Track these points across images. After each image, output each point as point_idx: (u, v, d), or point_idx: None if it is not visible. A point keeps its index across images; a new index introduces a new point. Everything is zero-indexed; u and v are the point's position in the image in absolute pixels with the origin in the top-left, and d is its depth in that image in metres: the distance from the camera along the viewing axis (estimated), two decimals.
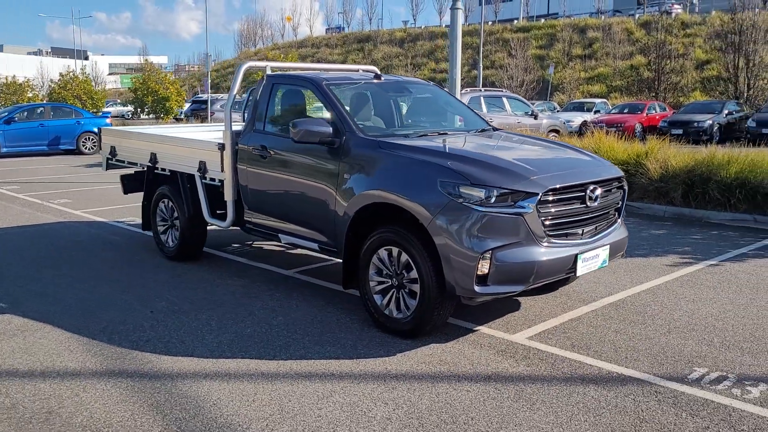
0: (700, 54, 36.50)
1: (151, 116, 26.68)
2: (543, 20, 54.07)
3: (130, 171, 8.38)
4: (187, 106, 26.69)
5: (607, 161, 5.40)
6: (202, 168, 6.57)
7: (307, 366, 4.37)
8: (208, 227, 7.14)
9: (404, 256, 4.74)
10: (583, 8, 57.93)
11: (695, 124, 22.68)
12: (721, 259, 7.19)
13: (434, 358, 4.48)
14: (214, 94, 23.57)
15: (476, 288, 4.39)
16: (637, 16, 47.43)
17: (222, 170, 6.30)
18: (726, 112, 23.70)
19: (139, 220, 9.30)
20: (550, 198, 4.52)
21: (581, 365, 4.34)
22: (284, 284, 6.33)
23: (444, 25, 62.77)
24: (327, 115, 5.67)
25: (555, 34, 48.34)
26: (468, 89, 18.35)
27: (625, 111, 26.10)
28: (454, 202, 4.42)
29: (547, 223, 4.53)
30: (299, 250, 7.64)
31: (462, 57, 54.42)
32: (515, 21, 55.62)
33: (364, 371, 4.28)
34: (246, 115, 6.52)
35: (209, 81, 23.23)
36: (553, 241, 4.56)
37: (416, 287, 4.69)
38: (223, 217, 6.70)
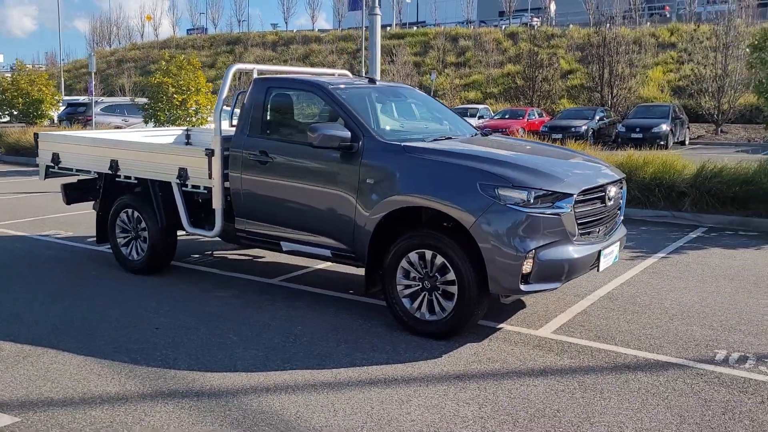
0: (564, 64, 39.15)
1: (12, 122, 24.26)
2: (415, 28, 55.59)
3: (72, 179, 7.81)
4: (62, 108, 24.80)
5: (606, 163, 5.78)
6: (183, 175, 6.26)
7: (363, 373, 4.34)
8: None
9: (439, 259, 4.82)
10: (452, 17, 60.16)
11: (573, 128, 24.33)
12: (667, 252, 7.88)
13: (480, 357, 4.60)
14: (90, 97, 22.02)
15: (521, 286, 4.57)
16: (503, 26, 50.00)
17: (210, 177, 6.05)
18: (597, 118, 25.66)
19: (65, 233, 8.68)
20: (581, 198, 4.80)
21: (617, 354, 4.64)
22: (278, 293, 6.18)
23: (317, 29, 62.86)
24: (328, 119, 5.65)
25: (428, 42, 49.82)
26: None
27: (507, 117, 27.53)
28: (497, 204, 4.58)
29: (578, 222, 4.80)
30: (268, 258, 7.48)
31: (339, 63, 54.81)
32: (388, 28, 56.72)
33: (424, 374, 4.32)
34: (233, 119, 6.28)
35: (93, 82, 21.71)
36: (582, 239, 4.84)
37: (453, 289, 4.78)
38: (204, 226, 6.44)
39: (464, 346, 4.80)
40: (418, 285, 4.98)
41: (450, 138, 5.83)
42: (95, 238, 7.30)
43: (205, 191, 6.21)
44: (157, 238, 6.64)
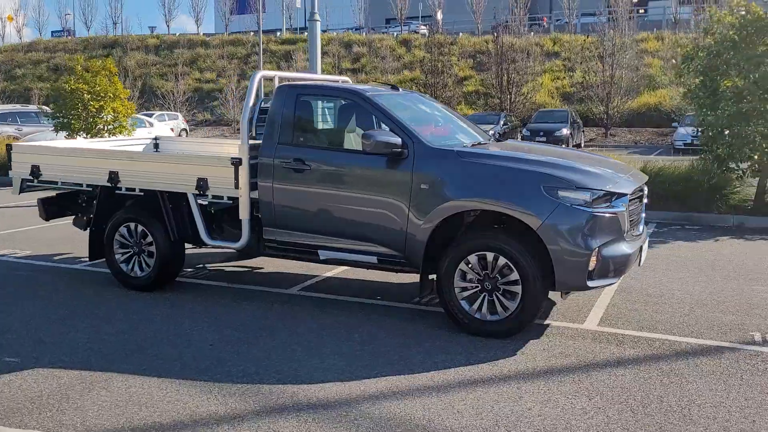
0: (458, 71, 40.54)
1: None
2: (306, 33, 55.38)
3: (49, 193, 7.31)
4: None
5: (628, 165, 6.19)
6: (202, 186, 6.04)
7: (455, 374, 4.43)
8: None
9: (501, 260, 5.00)
10: (339, 24, 60.52)
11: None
12: None
13: (552, 352, 4.82)
14: None
15: (588, 283, 4.84)
16: (395, 33, 50.95)
17: (236, 187, 5.88)
18: (502, 122, 26.84)
19: (22, 252, 8.13)
20: (631, 197, 5.15)
21: (670, 342, 5.02)
22: (305, 303, 6.11)
23: (203, 34, 61.12)
24: (366, 126, 5.68)
25: (321, 48, 49.83)
26: None
27: None
28: (563, 205, 4.83)
29: (629, 220, 5.15)
30: (268, 269, 7.34)
31: (229, 68, 53.41)
32: (278, 33, 56.20)
33: (512, 371, 4.48)
34: (253, 128, 6.13)
35: None
36: (629, 236, 5.19)
37: (516, 288, 4.98)
38: (223, 238, 6.25)
39: (529, 344, 5.00)
40: (477, 287, 5.13)
41: (482, 143, 6.03)
42: (88, 256, 6.84)
43: (231, 202, 6.03)
44: (166, 253, 6.35)
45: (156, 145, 8.60)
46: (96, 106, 16.12)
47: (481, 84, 37.52)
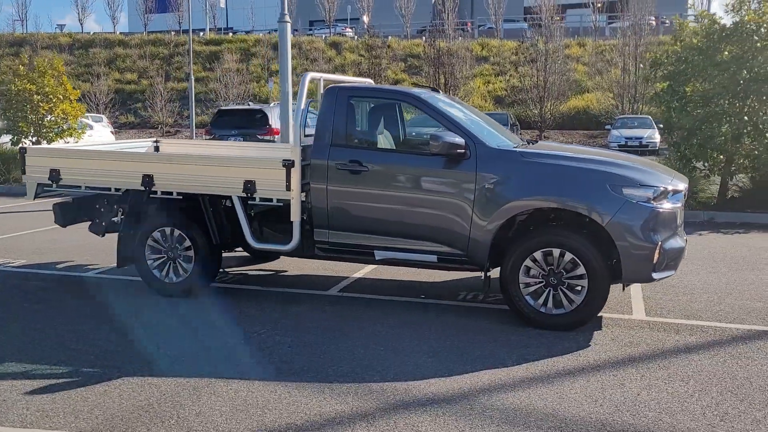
0: (390, 74, 40.98)
1: None
2: (231, 34, 54.44)
3: (64, 198, 7.03)
4: None
5: None
6: (250, 188, 5.97)
7: (547, 366, 4.62)
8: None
9: (568, 256, 5.23)
10: (262, 25, 59.74)
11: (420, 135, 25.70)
12: None
13: (622, 342, 5.10)
14: None
15: (653, 275, 5.15)
16: (324, 36, 50.84)
17: (288, 189, 5.86)
18: None
19: (16, 261, 7.82)
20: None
21: (722, 329, 5.41)
22: (352, 304, 6.17)
23: (120, 33, 58.97)
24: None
25: (248, 49, 49.15)
26: (275, 102, 18.28)
27: None
28: (629, 202, 5.11)
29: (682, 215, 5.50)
30: (292, 271, 7.31)
31: (151, 68, 51.89)
32: (202, 33, 54.95)
33: (597, 361, 4.71)
34: (305, 128, 6.10)
35: None
36: (680, 231, 5.55)
37: (582, 282, 5.23)
38: (269, 240, 6.21)
39: (595, 335, 5.26)
40: (541, 282, 5.35)
41: (528, 143, 6.27)
42: (116, 262, 6.60)
43: (280, 204, 6.00)
44: (206, 258, 6.25)
45: (157, 148, 8.39)
46: (46, 108, 15.38)
47: (416, 87, 37.94)
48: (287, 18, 13.75)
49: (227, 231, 6.27)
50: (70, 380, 4.40)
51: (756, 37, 10.15)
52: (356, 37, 49.64)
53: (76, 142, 16.20)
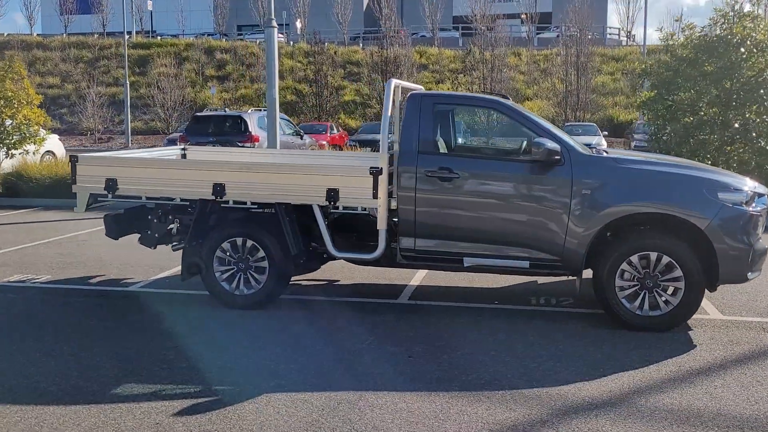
0: (330, 80, 40.88)
1: None
2: (160, 38, 52.80)
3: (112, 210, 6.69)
4: None
5: None
6: (333, 196, 5.85)
7: (675, 367, 4.77)
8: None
9: (665, 259, 5.41)
10: (195, 28, 58.30)
11: (378, 142, 25.80)
12: None
13: (721, 341, 5.31)
14: None
15: (748, 275, 5.40)
16: (258, 41, 50.09)
17: (375, 197, 5.78)
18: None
19: (37, 277, 7.42)
20: None
21: None
22: (429, 311, 6.16)
23: (36, 34, 56.10)
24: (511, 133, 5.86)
25: (180, 53, 47.85)
26: (252, 109, 17.86)
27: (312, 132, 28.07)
28: (725, 206, 5.35)
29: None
30: (344, 281, 7.20)
31: (75, 72, 49.89)
32: (128, 36, 52.99)
33: (710, 361, 4.90)
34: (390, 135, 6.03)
35: None
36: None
37: (678, 285, 5.42)
38: (350, 249, 6.09)
39: (691, 335, 5.46)
40: (636, 285, 5.51)
41: (608, 150, 6.44)
42: (181, 275, 6.31)
43: (365, 212, 5.91)
44: (281, 269, 6.07)
45: (184, 156, 8.09)
46: (9, 113, 14.48)
47: (357, 93, 38.19)
48: (274, 23, 13.49)
49: (305, 241, 6.11)
50: (211, 399, 4.20)
51: (743, 49, 10.79)
52: (293, 43, 49.22)
53: (38, 150, 15.34)
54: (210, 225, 6.20)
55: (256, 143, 15.01)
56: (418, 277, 7.31)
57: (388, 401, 4.16)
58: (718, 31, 11.38)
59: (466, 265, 5.85)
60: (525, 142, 5.98)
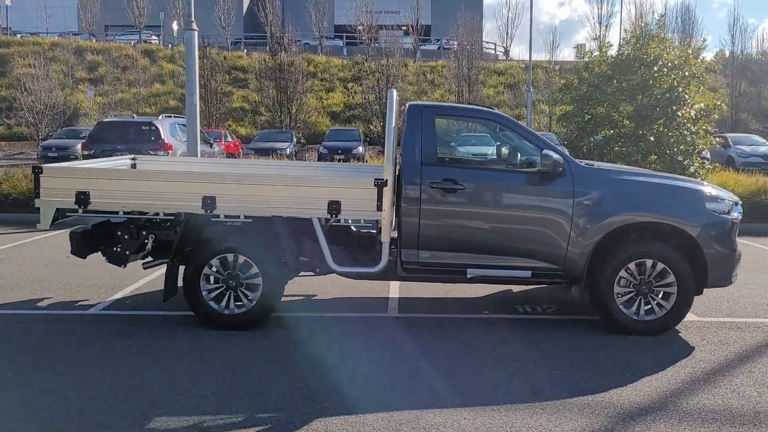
0: (214, 85, 39.61)
1: None
2: (20, 36, 48.88)
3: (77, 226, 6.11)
4: None
5: None
6: (335, 209, 5.66)
7: (691, 366, 5.04)
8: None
9: (660, 266, 5.70)
10: (59, 27, 54.45)
11: (278, 150, 25.39)
12: None
13: (711, 342, 5.66)
14: None
15: (732, 278, 5.81)
16: (132, 42, 47.63)
17: (380, 209, 5.65)
18: (294, 140, 27.28)
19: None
20: None
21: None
22: (432, 324, 6.15)
23: None
24: (510, 146, 5.95)
25: (45, 53, 44.48)
26: (163, 115, 16.81)
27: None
28: (713, 215, 5.73)
29: None
30: (322, 296, 7.01)
31: None
32: None
33: (722, 359, 5.22)
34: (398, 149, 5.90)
35: None
36: None
37: (672, 290, 5.72)
38: (347, 263, 5.92)
39: (680, 337, 5.78)
40: (632, 291, 5.76)
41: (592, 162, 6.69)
42: (163, 295, 5.83)
43: (371, 224, 5.76)
44: (275, 284, 5.80)
45: (134, 165, 7.54)
46: None
47: (245, 100, 37.34)
48: (194, 25, 12.86)
49: (300, 255, 5.86)
50: (263, 428, 3.90)
51: (656, 67, 11.65)
52: (171, 46, 47.26)
53: None
54: (197, 241, 5.79)
55: (170, 151, 14.23)
56: (394, 289, 7.22)
57: (448, 419, 4.07)
58: (630, 51, 12.20)
59: (469, 276, 5.85)
60: (519, 154, 6.07)
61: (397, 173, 5.85)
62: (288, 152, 25.40)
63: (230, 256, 5.75)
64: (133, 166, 7.53)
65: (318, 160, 26.66)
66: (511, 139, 6.08)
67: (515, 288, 7.20)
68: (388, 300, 6.86)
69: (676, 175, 6.60)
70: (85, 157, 14.31)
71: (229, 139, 28.11)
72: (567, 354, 5.29)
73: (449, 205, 5.75)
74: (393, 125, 5.77)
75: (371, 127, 31.59)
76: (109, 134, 14.56)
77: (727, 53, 40.04)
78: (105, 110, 36.70)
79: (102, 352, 5.21)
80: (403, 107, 6.32)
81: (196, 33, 12.98)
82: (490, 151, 6.30)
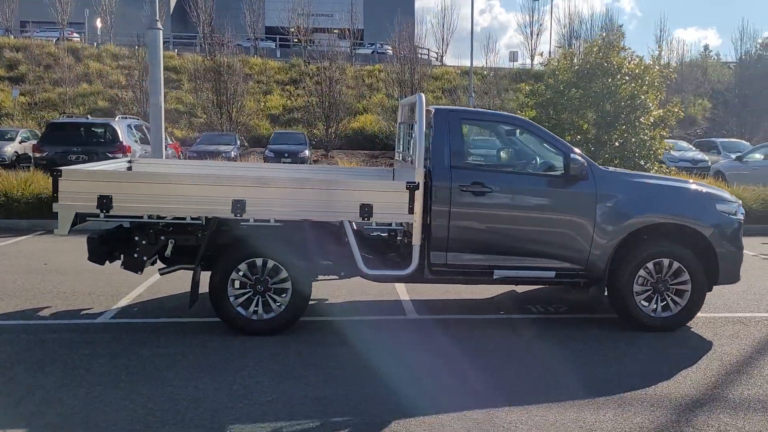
0: (146, 86, 38.38)
1: None
2: None
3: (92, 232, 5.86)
4: None
5: None
6: (367, 212, 5.65)
7: (719, 359, 5.31)
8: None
9: (675, 264, 5.99)
10: None
11: (223, 153, 24.91)
12: None
13: (724, 336, 5.98)
14: None
15: (739, 276, 6.16)
16: (54, 39, 45.50)
17: (411, 212, 5.68)
18: (238, 143, 26.77)
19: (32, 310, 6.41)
20: None
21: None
22: (456, 325, 6.24)
23: None
24: (529, 151, 6.11)
25: None
26: (119, 116, 16.08)
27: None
28: (723, 215, 6.07)
29: None
30: (333, 300, 6.98)
31: None
32: None
33: (742, 352, 5.52)
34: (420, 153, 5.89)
35: None
36: None
37: (686, 287, 6.02)
38: (379, 267, 5.91)
39: (694, 332, 6.08)
40: (649, 289, 6.02)
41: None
42: (189, 301, 5.65)
43: (400, 227, 5.78)
44: (304, 288, 5.73)
45: (130, 168, 7.28)
46: None
47: (180, 102, 36.38)
48: (159, 24, 12.48)
49: (331, 258, 5.81)
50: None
51: (618, 75, 12.17)
52: (96, 44, 45.47)
53: None
54: (225, 245, 5.65)
55: (129, 154, 13.69)
56: (402, 292, 7.25)
57: (521, 416, 4.16)
58: (592, 59, 12.68)
59: (495, 277, 5.96)
60: (544, 158, 6.22)
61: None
62: (233, 155, 24.92)
63: (259, 261, 5.64)
64: (129, 169, 7.26)
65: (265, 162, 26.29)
66: (535, 143, 6.23)
67: (519, 289, 7.37)
68: (401, 302, 6.88)
69: (683, 179, 6.93)
70: (37, 161, 13.60)
71: (169, 141, 27.31)
72: (598, 351, 5.48)
73: (477, 207, 5.85)
74: (423, 129, 5.81)
75: (314, 130, 31.37)
76: (62, 137, 13.87)
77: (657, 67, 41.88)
78: (31, 110, 35.03)
79: (135, 362, 5.00)
80: (415, 110, 6.35)
81: (160, 32, 12.65)
82: (514, 154, 6.44)
